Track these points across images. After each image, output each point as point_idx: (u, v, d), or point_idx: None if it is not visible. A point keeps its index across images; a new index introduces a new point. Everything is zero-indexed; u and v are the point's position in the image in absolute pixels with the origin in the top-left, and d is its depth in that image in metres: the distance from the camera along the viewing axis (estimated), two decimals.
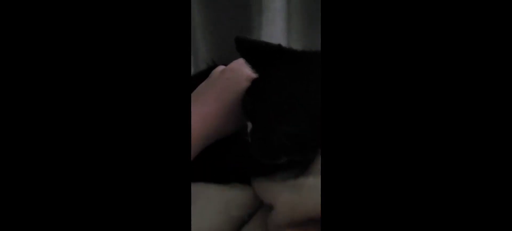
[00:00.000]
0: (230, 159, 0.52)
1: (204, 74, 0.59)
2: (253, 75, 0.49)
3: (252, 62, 0.48)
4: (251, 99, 0.46)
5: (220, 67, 0.57)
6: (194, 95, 0.53)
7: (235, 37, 0.47)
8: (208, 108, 0.51)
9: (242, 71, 0.51)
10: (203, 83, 0.55)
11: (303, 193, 0.39)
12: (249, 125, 0.46)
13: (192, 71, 0.83)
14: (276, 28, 0.87)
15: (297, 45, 0.88)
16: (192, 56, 0.86)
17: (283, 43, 0.87)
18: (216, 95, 0.51)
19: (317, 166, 0.43)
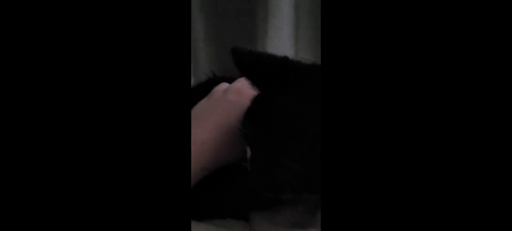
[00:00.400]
0: (225, 190, 0.46)
1: (203, 88, 0.53)
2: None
3: (253, 79, 0.41)
4: (252, 122, 0.39)
5: (223, 85, 0.49)
6: (191, 118, 0.46)
7: (231, 48, 0.41)
8: (207, 135, 0.45)
9: (247, 93, 0.44)
10: (202, 103, 0.48)
11: None
12: (249, 150, 0.40)
13: (192, 82, 0.77)
14: (283, 35, 0.81)
15: (306, 54, 0.82)
16: (192, 66, 0.80)
17: (291, 51, 0.83)
18: (217, 121, 0.45)
19: None
